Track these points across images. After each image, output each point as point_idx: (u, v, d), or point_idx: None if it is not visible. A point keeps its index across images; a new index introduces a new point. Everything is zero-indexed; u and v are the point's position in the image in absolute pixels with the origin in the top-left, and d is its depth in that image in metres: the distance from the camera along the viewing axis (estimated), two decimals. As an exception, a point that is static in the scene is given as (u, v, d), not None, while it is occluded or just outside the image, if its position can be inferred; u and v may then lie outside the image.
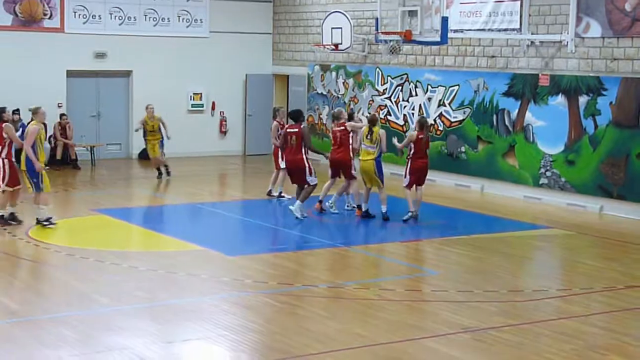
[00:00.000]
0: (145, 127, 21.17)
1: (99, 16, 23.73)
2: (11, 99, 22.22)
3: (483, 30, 19.48)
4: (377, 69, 22.52)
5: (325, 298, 11.43)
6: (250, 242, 14.97)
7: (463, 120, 20.40)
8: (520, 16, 18.83)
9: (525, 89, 18.98)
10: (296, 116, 16.75)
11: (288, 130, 16.58)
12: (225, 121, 25.58)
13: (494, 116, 19.68)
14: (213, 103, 25.51)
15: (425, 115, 20.54)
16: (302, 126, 16.53)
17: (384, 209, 16.17)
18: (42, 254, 13.59)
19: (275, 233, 15.69)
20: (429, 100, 21.17)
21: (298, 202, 16.19)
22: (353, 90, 23.26)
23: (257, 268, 12.88)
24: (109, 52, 23.89)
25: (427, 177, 16.64)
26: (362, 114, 20.42)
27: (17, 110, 22.18)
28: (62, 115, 23.01)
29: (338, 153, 16.46)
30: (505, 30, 19.10)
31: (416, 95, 21.48)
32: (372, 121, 16.21)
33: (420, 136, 16.14)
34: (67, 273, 12.48)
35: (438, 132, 20.87)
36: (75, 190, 19.64)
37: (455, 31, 19.27)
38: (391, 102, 22.17)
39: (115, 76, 24.27)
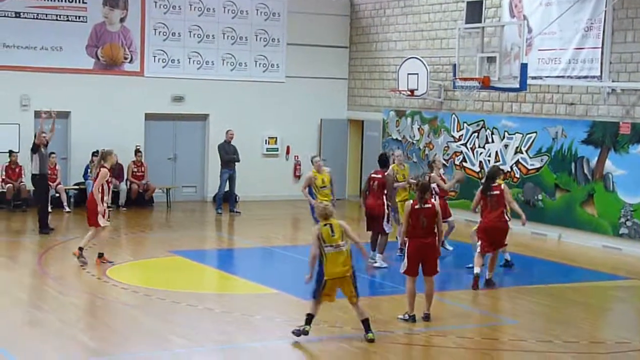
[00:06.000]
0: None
1: (178, 60, 24.11)
2: (91, 141, 22.66)
3: (562, 77, 19.27)
4: (453, 115, 22.42)
5: (401, 344, 11.29)
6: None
7: (540, 167, 20.15)
8: (601, 63, 18.56)
9: (605, 137, 18.68)
10: (383, 162, 16.33)
11: (372, 175, 16.27)
12: (300, 165, 25.66)
13: (573, 164, 19.40)
14: (288, 147, 25.64)
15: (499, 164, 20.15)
16: (386, 173, 16.18)
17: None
18: (120, 294, 13.70)
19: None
20: (506, 147, 20.97)
21: (378, 255, 15.84)
22: (428, 136, 23.18)
23: (332, 312, 12.78)
24: (186, 95, 24.23)
25: None
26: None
27: (97, 152, 22.54)
28: (136, 151, 23.23)
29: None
30: (585, 77, 18.86)
31: (492, 142, 21.30)
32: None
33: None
34: (145, 313, 12.56)
35: (515, 180, 20.64)
36: (151, 232, 19.82)
37: (534, 78, 19.12)
38: (467, 148, 22.02)
39: (192, 119, 24.58)
